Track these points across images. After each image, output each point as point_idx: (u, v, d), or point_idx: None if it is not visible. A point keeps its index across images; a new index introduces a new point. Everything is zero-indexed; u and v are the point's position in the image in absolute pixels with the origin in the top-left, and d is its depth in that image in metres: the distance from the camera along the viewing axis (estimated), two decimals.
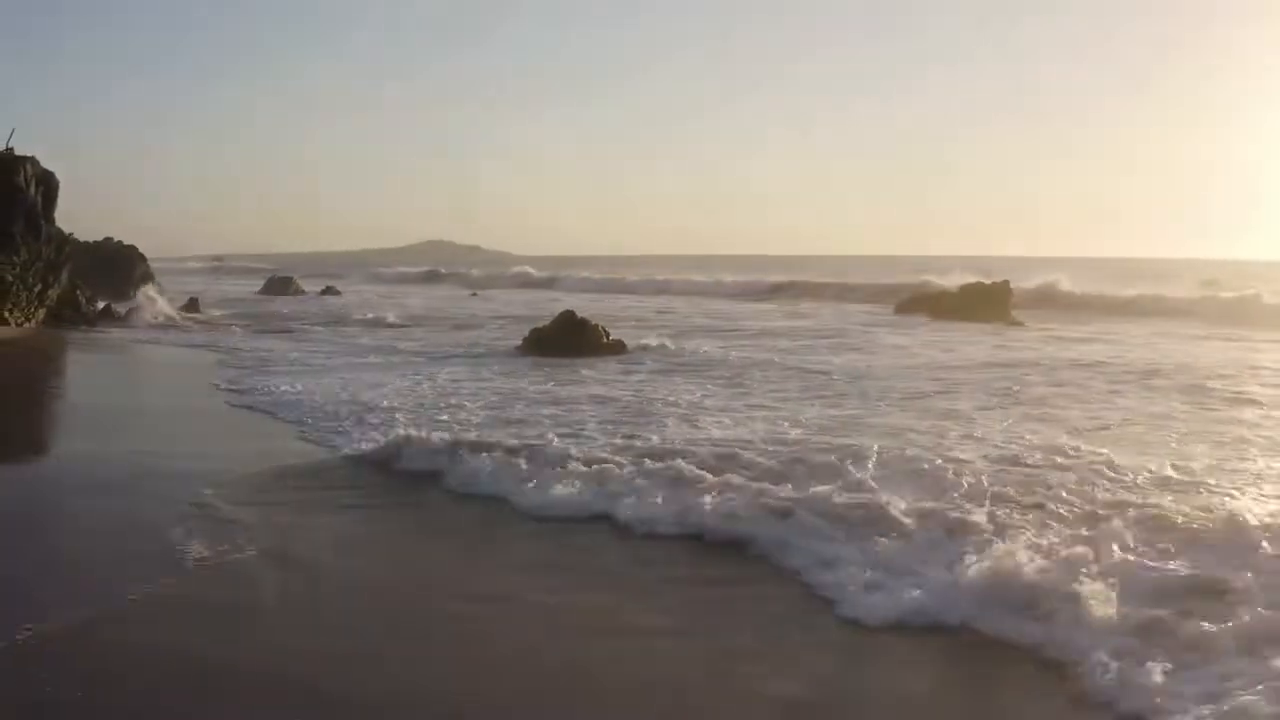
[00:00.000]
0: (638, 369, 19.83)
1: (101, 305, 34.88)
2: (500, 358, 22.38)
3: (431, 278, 78.41)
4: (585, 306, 43.02)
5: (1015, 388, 17.10)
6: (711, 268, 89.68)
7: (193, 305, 37.17)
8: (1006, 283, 37.86)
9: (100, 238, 48.28)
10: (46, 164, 30.53)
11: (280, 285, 56.88)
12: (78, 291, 35.42)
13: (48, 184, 30.62)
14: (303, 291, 55.11)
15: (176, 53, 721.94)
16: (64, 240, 31.56)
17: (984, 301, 37.14)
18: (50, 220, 30.43)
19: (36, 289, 29.53)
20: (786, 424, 13.40)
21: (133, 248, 52.24)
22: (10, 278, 28.45)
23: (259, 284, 60.70)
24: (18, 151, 29.67)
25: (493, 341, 25.25)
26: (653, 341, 23.43)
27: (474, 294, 61.83)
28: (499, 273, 72.94)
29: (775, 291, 51.43)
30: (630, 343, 23.35)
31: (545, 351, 22.62)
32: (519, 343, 23.69)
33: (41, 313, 29.76)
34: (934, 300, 38.77)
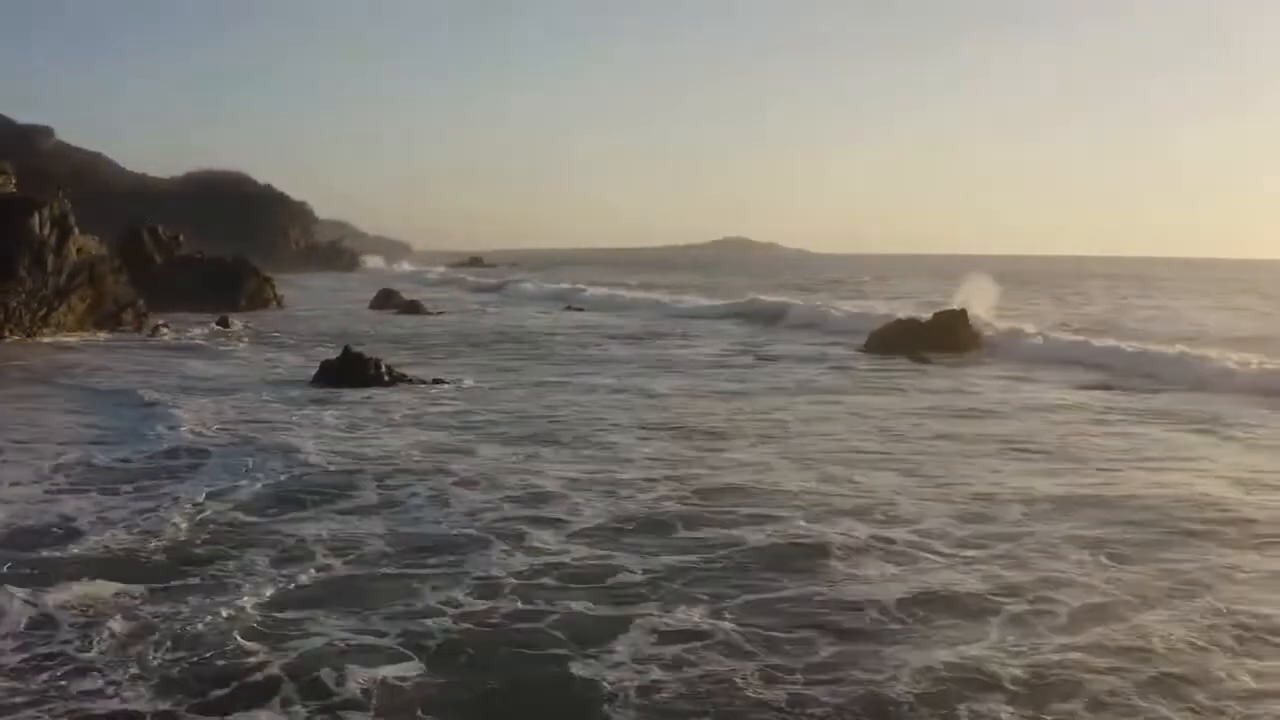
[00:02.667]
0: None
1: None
2: (255, 389, 24.56)
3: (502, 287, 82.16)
4: (565, 319, 44.02)
5: None
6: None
7: (224, 322, 42.53)
8: (964, 311, 36.65)
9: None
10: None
11: (383, 299, 62.30)
12: (130, 308, 41.95)
13: (63, 224, 36.81)
14: (397, 305, 59.93)
15: (473, 44, 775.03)
16: (78, 269, 37.51)
17: (950, 331, 36.22)
18: (62, 254, 36.47)
19: (41, 313, 35.62)
20: None
21: (248, 263, 59.52)
22: (15, 304, 34.71)
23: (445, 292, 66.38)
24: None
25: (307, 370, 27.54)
26: (447, 380, 25.47)
27: (570, 308, 64.55)
28: (612, 297, 75.49)
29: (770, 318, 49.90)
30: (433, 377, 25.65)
31: (333, 383, 25.15)
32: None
33: (46, 330, 35.71)
34: (906, 331, 37.50)
